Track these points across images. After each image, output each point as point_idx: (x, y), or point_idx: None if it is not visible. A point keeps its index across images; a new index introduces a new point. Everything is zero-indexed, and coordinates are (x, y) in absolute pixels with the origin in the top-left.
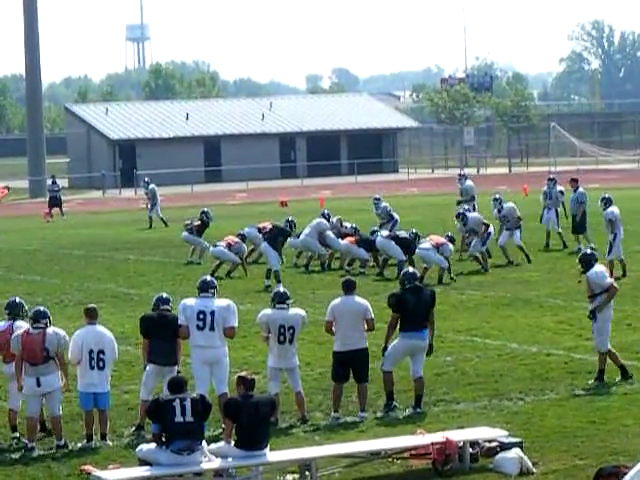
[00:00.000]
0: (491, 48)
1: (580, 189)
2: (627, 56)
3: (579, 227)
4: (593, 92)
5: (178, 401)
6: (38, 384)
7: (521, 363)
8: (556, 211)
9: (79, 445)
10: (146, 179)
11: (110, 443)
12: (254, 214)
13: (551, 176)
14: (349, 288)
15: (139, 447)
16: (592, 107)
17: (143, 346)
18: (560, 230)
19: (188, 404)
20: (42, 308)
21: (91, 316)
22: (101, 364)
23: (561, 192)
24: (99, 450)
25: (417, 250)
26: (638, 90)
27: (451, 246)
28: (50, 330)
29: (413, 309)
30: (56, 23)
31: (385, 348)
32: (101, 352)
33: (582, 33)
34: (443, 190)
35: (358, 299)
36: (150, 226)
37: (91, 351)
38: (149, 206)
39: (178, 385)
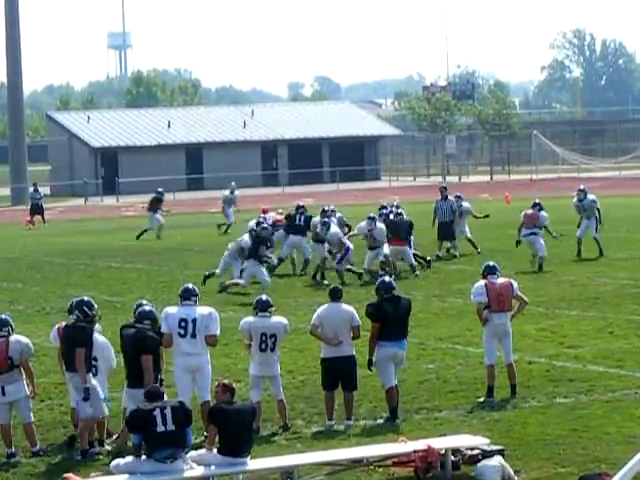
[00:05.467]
0: (473, 56)
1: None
2: (608, 64)
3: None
4: (575, 100)
5: (158, 410)
6: (3, 393)
7: (502, 371)
8: (595, 219)
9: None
10: (233, 184)
11: (109, 448)
12: (236, 222)
13: (581, 187)
14: (336, 296)
15: (115, 462)
16: (573, 115)
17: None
18: (596, 235)
19: (169, 412)
20: (3, 316)
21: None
22: (94, 371)
23: (593, 201)
24: (82, 458)
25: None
26: (619, 98)
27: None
28: (13, 338)
29: (391, 318)
30: (38, 31)
31: (370, 361)
32: (94, 359)
33: (564, 41)
34: (425, 198)
35: (344, 306)
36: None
37: None
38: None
39: (155, 394)
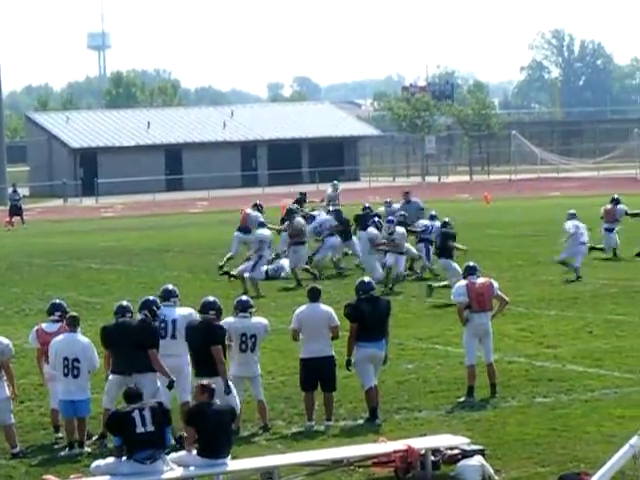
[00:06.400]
0: (452, 57)
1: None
2: (587, 65)
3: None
4: (553, 101)
5: (137, 411)
6: None
7: (482, 371)
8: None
9: (63, 453)
10: (335, 182)
11: (89, 450)
12: (215, 222)
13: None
14: (314, 296)
15: (95, 464)
16: (552, 115)
17: (105, 356)
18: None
19: (147, 413)
20: None
21: (69, 324)
22: (75, 372)
23: (626, 212)
24: (62, 460)
25: None
26: (598, 99)
27: None
28: None
29: (369, 319)
30: (17, 31)
31: (348, 361)
32: (75, 360)
33: (543, 42)
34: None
35: (323, 307)
36: None
37: (65, 359)
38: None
39: (134, 395)
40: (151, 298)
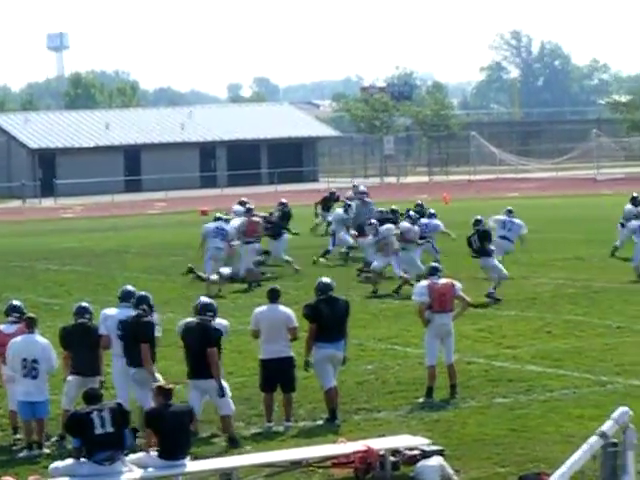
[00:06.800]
0: (411, 57)
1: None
2: (546, 65)
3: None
4: (512, 101)
5: (96, 413)
6: None
7: (442, 371)
8: None
9: (22, 454)
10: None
11: (47, 451)
12: (174, 223)
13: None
14: (274, 297)
15: (53, 465)
16: (511, 116)
17: (64, 357)
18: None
19: (107, 414)
20: None
21: (28, 325)
22: (34, 373)
23: None
24: (20, 461)
25: None
26: (557, 99)
27: None
28: None
29: (328, 319)
30: None
31: (307, 362)
32: (34, 361)
33: (502, 43)
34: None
35: (282, 308)
36: None
37: (24, 360)
38: None
39: (93, 396)
40: (143, 293)
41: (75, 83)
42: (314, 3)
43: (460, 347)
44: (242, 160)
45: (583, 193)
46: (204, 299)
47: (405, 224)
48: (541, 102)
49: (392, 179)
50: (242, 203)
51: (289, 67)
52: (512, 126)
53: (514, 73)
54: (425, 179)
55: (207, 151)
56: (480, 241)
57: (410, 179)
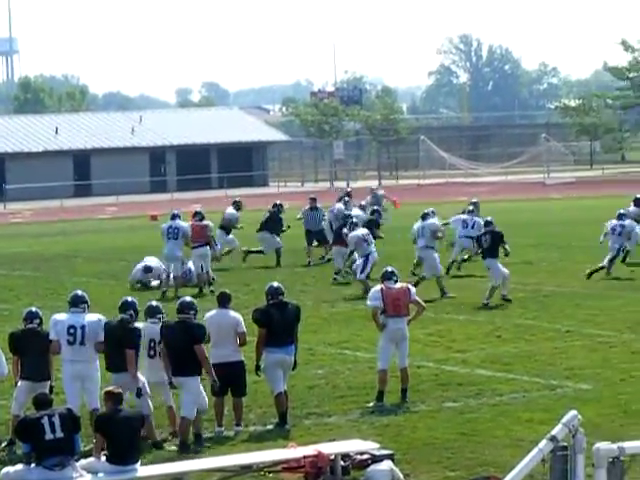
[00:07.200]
0: (361, 62)
1: None
2: (495, 70)
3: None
4: (462, 106)
5: (46, 418)
6: None
7: (393, 375)
8: None
9: None
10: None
11: None
12: (124, 228)
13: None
14: (223, 301)
15: (4, 470)
16: (460, 120)
17: (13, 362)
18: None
19: (57, 420)
20: None
21: None
22: None
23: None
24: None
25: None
26: (506, 104)
27: None
28: None
29: (278, 324)
30: None
31: (257, 367)
32: None
33: (451, 47)
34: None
35: (231, 312)
36: None
37: None
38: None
39: (43, 402)
40: (130, 299)
41: (24, 87)
42: (264, 7)
43: (410, 351)
44: (192, 165)
45: (532, 197)
46: (185, 298)
47: (354, 233)
48: (490, 106)
49: (342, 184)
50: (235, 203)
51: (239, 72)
52: (461, 130)
53: (463, 77)
54: (375, 183)
55: (157, 156)
56: (492, 241)
57: (360, 183)
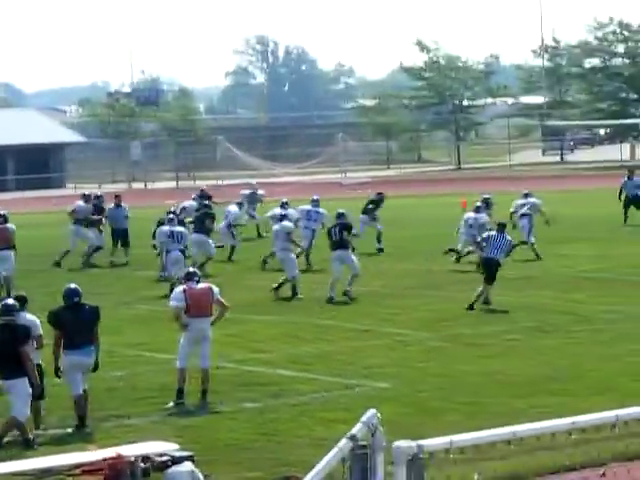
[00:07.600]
0: (158, 63)
1: None
2: (292, 70)
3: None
4: (259, 106)
5: None
6: None
7: (193, 376)
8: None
9: None
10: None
11: None
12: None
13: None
14: (20, 304)
15: None
16: (257, 121)
17: None
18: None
19: None
20: None
21: None
22: None
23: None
24: None
25: None
26: (303, 104)
27: None
28: None
29: (73, 326)
30: None
31: (57, 369)
32: None
33: (247, 47)
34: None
35: (29, 316)
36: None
37: None
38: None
39: None
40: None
41: None
42: (60, 8)
43: (210, 352)
44: None
45: (329, 197)
46: (7, 300)
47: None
48: (287, 107)
49: (140, 185)
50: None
51: (35, 73)
52: (259, 131)
53: (260, 78)
54: (173, 184)
55: None
56: (342, 234)
57: (158, 185)
